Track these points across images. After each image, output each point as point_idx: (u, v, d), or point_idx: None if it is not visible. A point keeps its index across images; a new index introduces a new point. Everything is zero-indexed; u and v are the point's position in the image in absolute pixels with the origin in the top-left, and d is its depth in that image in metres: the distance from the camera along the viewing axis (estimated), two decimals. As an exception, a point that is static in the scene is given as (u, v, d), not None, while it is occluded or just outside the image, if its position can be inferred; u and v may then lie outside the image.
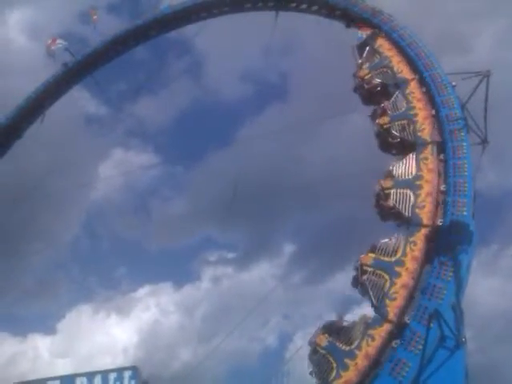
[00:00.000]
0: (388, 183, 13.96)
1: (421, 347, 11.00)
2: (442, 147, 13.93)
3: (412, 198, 13.26)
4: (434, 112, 14.62)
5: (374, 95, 16.56)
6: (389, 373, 11.19)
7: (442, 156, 13.76)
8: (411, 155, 14.12)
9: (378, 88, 16.39)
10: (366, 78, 16.59)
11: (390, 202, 13.61)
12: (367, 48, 17.45)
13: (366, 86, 16.55)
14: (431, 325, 10.97)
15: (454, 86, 14.86)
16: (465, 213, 12.48)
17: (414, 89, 15.46)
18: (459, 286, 11.72)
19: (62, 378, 14.06)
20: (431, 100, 14.94)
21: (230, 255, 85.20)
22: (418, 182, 13.49)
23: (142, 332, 72.15)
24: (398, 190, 13.60)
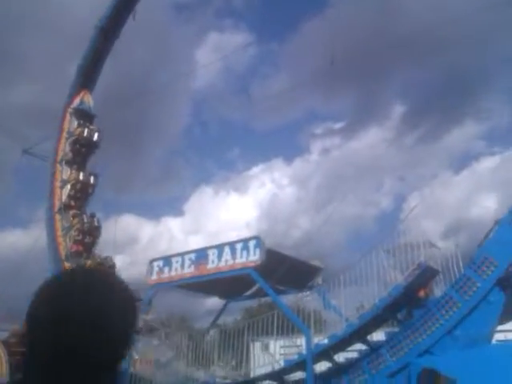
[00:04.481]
0: None
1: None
2: None
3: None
4: None
5: None
6: (509, 223, 11.19)
7: None
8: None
9: None
10: None
11: None
12: None
13: None
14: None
15: None
16: None
17: None
18: None
19: (196, 251, 15.86)
20: None
21: (337, 125, 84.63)
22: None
23: (261, 206, 76.89)
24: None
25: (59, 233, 23.17)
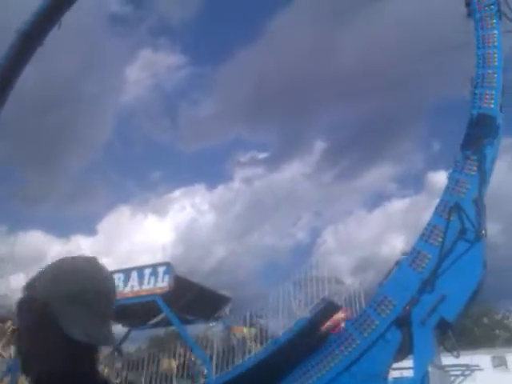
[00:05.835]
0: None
1: (440, 239, 11.28)
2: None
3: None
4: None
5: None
6: (409, 264, 11.63)
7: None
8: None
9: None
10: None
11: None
12: None
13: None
14: (451, 218, 11.15)
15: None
16: (492, 105, 12.03)
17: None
18: (483, 180, 11.67)
19: (102, 275, 15.11)
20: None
21: (261, 155, 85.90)
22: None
23: (178, 231, 75.48)
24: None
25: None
